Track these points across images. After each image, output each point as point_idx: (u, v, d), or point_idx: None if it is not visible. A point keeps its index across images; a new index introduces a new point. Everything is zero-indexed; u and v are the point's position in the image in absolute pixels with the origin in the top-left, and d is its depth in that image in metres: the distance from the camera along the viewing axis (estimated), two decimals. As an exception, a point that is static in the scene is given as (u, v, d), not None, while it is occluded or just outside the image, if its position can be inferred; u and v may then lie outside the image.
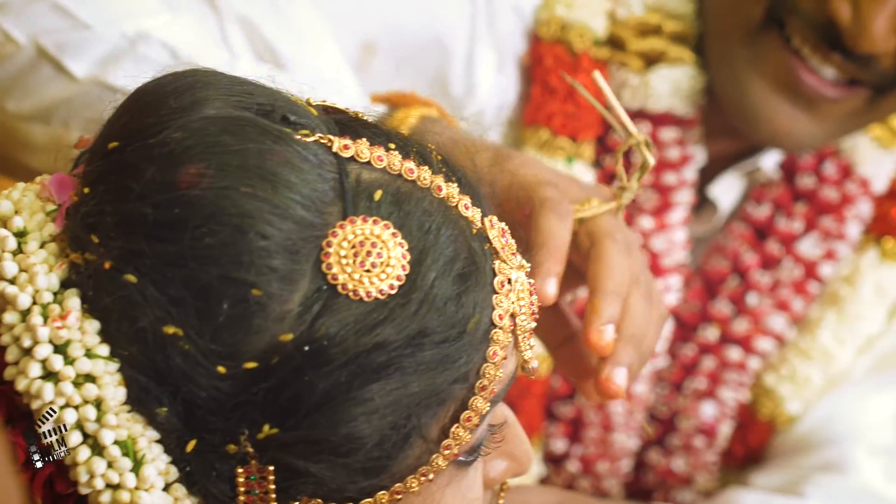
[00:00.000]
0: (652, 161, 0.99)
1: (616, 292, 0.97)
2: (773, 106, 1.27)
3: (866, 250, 1.39)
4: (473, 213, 0.82)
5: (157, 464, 0.78)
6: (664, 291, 1.35)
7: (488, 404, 0.83)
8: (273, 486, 0.78)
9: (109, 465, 0.77)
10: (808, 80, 1.25)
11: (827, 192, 1.38)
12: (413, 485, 0.82)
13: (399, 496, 0.82)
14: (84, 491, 0.78)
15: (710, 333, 1.40)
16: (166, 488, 0.79)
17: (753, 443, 1.44)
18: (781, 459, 1.44)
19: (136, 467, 0.78)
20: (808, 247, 1.39)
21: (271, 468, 0.78)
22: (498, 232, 0.83)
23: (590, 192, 1.05)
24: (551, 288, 0.94)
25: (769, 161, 1.38)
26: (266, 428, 0.77)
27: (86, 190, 0.78)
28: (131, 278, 0.76)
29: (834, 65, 1.24)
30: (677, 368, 1.41)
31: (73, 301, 0.77)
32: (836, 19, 1.20)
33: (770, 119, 1.27)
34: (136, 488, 0.78)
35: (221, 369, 0.76)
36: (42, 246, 0.78)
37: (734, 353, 1.40)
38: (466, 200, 0.82)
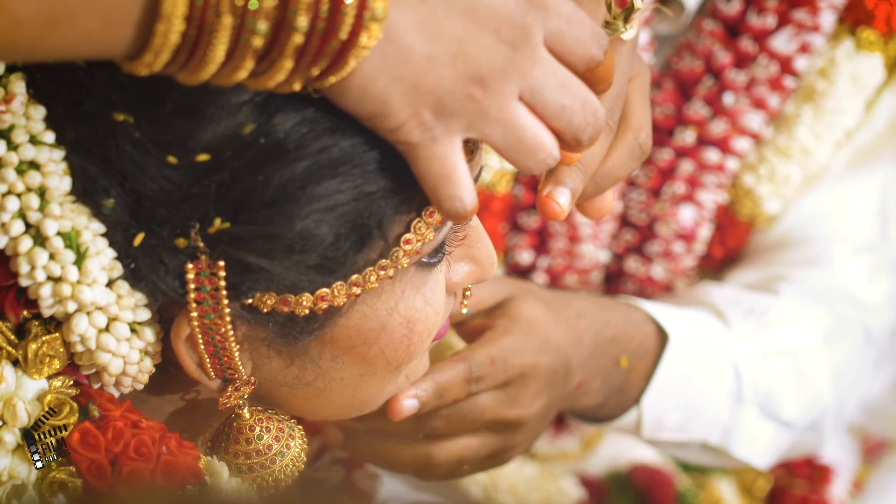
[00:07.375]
0: (639, 3, 0.93)
1: None
2: None
3: (841, 41, 1.35)
4: None
5: (101, 258, 0.76)
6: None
7: None
8: (224, 283, 0.77)
9: (51, 257, 0.76)
10: None
11: (799, -18, 1.34)
12: (372, 278, 0.80)
13: (357, 289, 0.80)
14: (24, 283, 0.77)
15: (687, 136, 1.37)
16: (109, 284, 0.77)
17: (732, 244, 1.42)
18: (758, 256, 1.42)
19: (79, 260, 0.76)
20: (782, 42, 1.35)
21: (222, 263, 0.76)
22: None
23: None
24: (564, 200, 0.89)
25: (737, -46, 1.34)
26: (217, 222, 0.75)
27: None
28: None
29: None
30: (654, 174, 1.38)
31: (19, 85, 0.74)
32: None
33: None
34: (79, 282, 0.76)
35: (172, 159, 0.74)
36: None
37: (712, 155, 1.37)
38: None
